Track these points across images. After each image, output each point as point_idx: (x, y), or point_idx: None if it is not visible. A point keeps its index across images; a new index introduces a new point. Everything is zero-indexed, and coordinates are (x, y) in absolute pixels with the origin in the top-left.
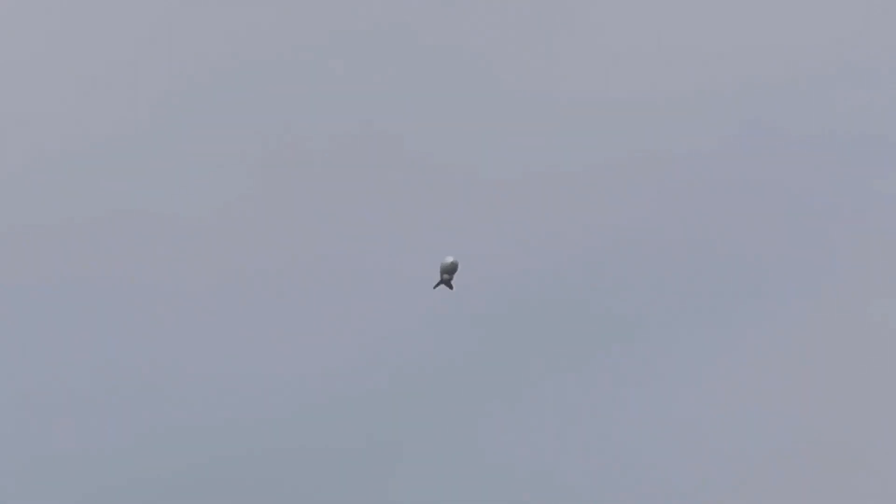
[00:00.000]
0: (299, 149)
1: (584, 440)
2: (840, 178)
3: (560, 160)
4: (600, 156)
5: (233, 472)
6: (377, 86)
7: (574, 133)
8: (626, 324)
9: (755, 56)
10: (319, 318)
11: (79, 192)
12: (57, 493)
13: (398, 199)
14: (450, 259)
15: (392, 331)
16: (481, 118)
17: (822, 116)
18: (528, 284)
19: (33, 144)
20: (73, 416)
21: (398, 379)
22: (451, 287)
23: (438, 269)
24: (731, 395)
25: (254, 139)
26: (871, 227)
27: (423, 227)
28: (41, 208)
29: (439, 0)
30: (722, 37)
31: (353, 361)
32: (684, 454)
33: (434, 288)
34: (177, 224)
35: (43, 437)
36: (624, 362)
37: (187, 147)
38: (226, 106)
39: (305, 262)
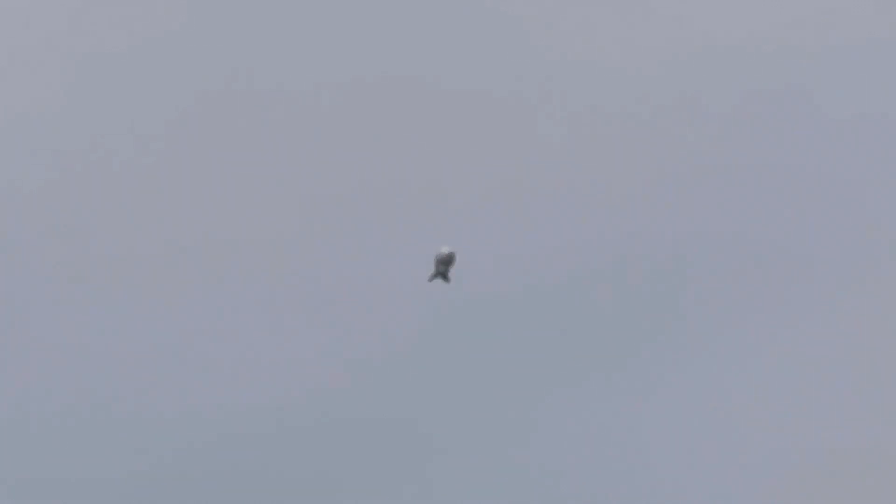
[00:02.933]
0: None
1: (595, 448)
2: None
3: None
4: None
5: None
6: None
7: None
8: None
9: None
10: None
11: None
12: None
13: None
14: (446, 250)
15: (381, 333)
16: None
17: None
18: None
19: None
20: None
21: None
22: (447, 280)
23: (434, 261)
24: (761, 403)
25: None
26: None
27: (421, 231)
28: None
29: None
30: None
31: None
32: (703, 464)
33: (429, 281)
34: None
35: None
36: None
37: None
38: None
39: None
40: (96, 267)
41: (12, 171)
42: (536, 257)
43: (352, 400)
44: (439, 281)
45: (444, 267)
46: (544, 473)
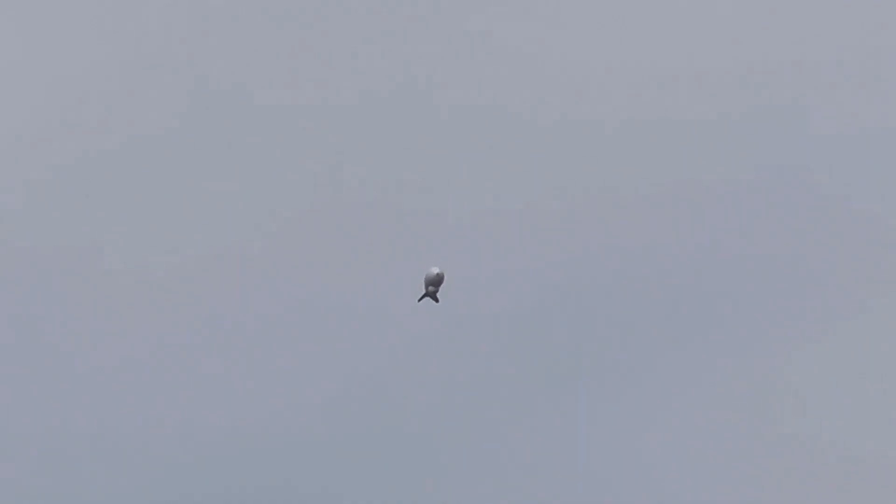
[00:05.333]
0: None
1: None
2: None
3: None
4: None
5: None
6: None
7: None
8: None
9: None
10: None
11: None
12: None
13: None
14: (435, 270)
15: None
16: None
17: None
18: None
19: None
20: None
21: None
22: (436, 300)
23: (423, 282)
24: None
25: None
26: None
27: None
28: None
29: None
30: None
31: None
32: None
33: (419, 301)
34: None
35: None
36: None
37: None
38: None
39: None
40: (95, 281)
41: None
42: (525, 277)
43: (340, 415)
44: (429, 300)
45: (433, 288)
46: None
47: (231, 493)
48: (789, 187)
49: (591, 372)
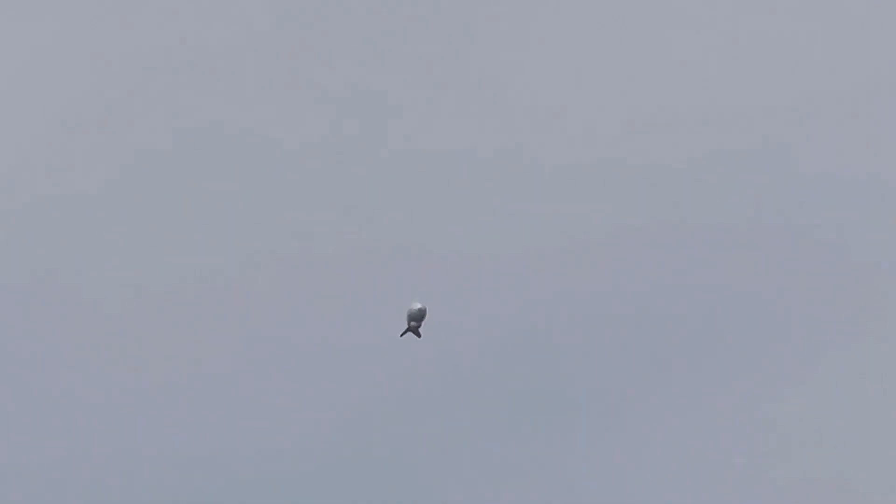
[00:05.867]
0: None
1: None
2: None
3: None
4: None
5: None
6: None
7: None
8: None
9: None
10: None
11: None
12: None
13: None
14: (417, 305)
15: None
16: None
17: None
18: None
19: None
20: None
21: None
22: (418, 335)
23: (406, 317)
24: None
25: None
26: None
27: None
28: None
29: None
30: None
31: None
32: None
33: (401, 336)
34: None
35: None
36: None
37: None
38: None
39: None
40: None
41: None
42: (503, 316)
43: (320, 451)
44: (411, 335)
45: (415, 323)
46: None
47: None
48: (783, 228)
49: (575, 411)
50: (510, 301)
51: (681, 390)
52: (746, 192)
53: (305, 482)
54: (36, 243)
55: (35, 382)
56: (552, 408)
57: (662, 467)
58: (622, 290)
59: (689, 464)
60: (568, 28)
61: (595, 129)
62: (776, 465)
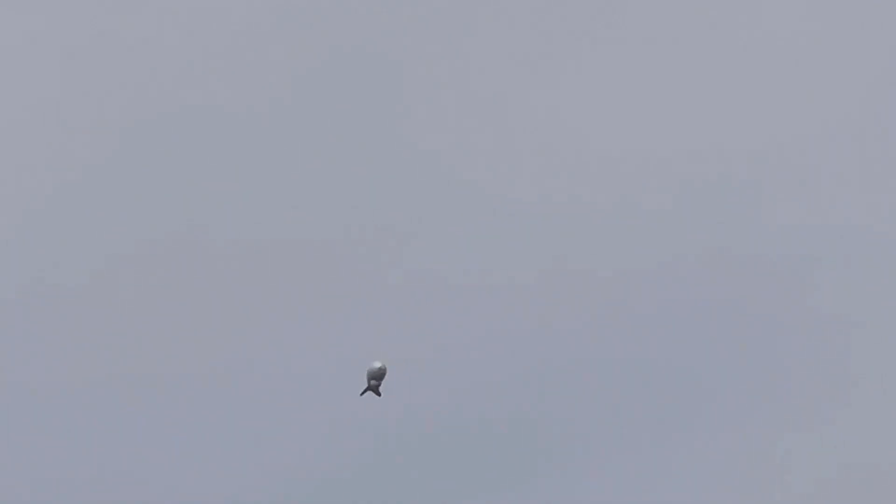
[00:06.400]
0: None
1: None
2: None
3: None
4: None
5: None
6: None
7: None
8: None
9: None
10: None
11: None
12: None
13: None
14: (377, 364)
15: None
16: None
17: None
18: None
19: None
20: None
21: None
22: (378, 394)
23: (365, 376)
24: None
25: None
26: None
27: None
28: None
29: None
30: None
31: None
32: None
33: (361, 395)
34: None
35: None
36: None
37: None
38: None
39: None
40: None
41: None
42: (465, 369)
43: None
44: (371, 394)
45: (375, 381)
46: None
47: None
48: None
49: (570, 453)
50: (507, 337)
51: (680, 434)
52: (749, 229)
53: None
54: None
55: None
56: (545, 454)
57: None
58: (614, 331)
59: None
60: (568, 70)
61: (570, 170)
62: None
